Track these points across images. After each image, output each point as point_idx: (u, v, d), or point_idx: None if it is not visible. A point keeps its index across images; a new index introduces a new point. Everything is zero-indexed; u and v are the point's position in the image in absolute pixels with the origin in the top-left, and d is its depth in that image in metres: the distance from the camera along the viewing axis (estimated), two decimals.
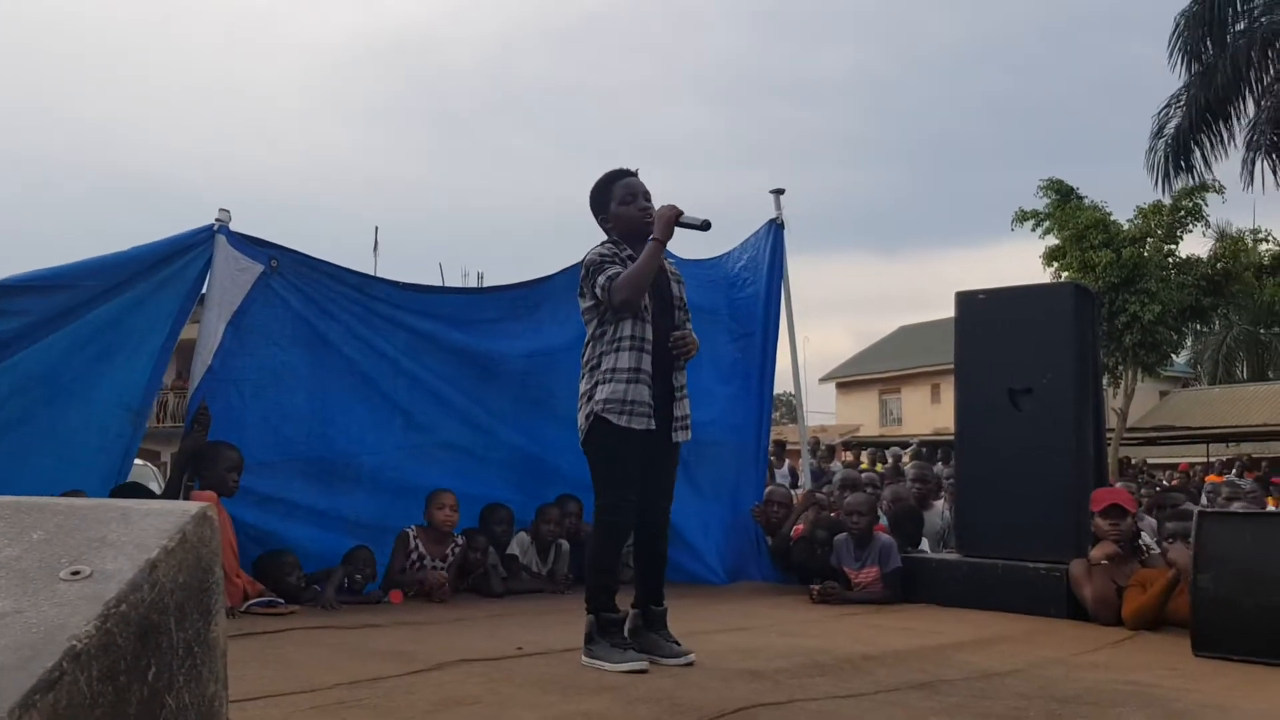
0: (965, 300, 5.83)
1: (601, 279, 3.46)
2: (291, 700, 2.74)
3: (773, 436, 7.79)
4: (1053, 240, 19.15)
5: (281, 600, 4.69)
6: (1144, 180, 17.00)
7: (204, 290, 5.11)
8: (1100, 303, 16.16)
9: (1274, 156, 15.75)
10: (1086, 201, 18.99)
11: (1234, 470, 16.82)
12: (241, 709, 2.58)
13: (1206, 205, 18.41)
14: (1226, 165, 17.11)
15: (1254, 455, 20.24)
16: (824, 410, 39.78)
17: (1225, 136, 16.08)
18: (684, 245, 3.68)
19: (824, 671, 3.41)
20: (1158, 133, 16.52)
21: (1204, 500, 10.27)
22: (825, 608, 5.34)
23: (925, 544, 6.50)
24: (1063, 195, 19.09)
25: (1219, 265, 18.88)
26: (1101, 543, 4.92)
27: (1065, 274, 18.33)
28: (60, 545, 1.18)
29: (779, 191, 6.79)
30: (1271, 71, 15.40)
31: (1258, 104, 15.67)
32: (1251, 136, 15.72)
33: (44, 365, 4.68)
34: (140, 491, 5.08)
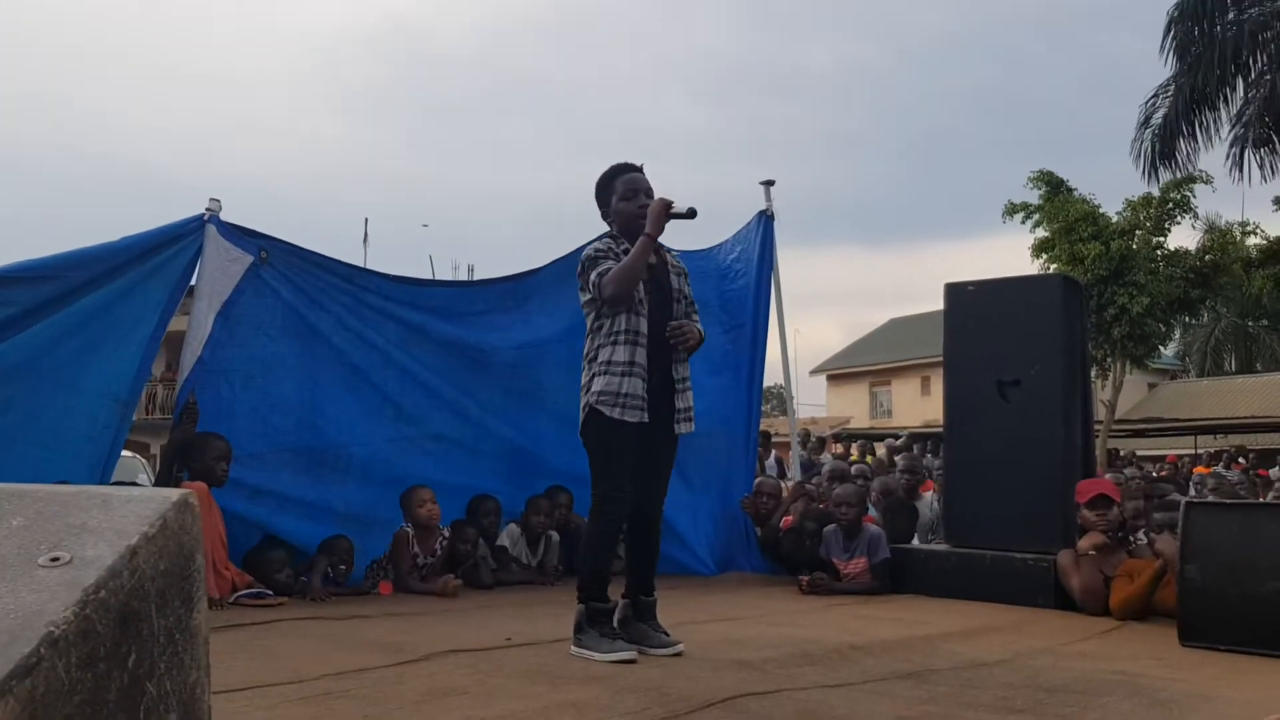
0: (954, 292, 5.84)
1: (594, 275, 3.51)
2: (279, 691, 2.74)
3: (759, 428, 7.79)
4: (1042, 233, 19.20)
5: (270, 592, 4.68)
6: (1134, 173, 16.99)
7: (193, 281, 5.09)
8: (1089, 295, 16.20)
9: (1262, 150, 15.79)
10: (1076, 194, 19.04)
11: (1222, 462, 16.90)
12: (229, 699, 2.57)
13: (1195, 198, 18.49)
14: (1214, 157, 17.18)
15: (1242, 447, 20.31)
16: (814, 402, 39.92)
17: (1212, 128, 16.11)
18: (676, 237, 3.68)
19: (812, 661, 3.42)
20: (1144, 123, 16.56)
21: (1192, 492, 10.31)
22: (814, 598, 5.35)
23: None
24: (1053, 187, 19.13)
25: (1207, 258, 18.95)
26: (1089, 533, 4.94)
27: (1054, 266, 18.38)
28: (40, 532, 1.17)
29: (769, 183, 6.78)
30: (1261, 62, 15.42)
31: (1246, 96, 15.70)
32: (1239, 129, 15.76)
33: (29, 355, 4.65)
34: None
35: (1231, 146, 15.87)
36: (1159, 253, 18.66)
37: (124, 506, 1.20)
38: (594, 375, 3.50)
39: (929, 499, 7.17)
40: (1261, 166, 15.87)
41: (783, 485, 7.08)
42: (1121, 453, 18.45)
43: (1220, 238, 19.41)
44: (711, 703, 2.70)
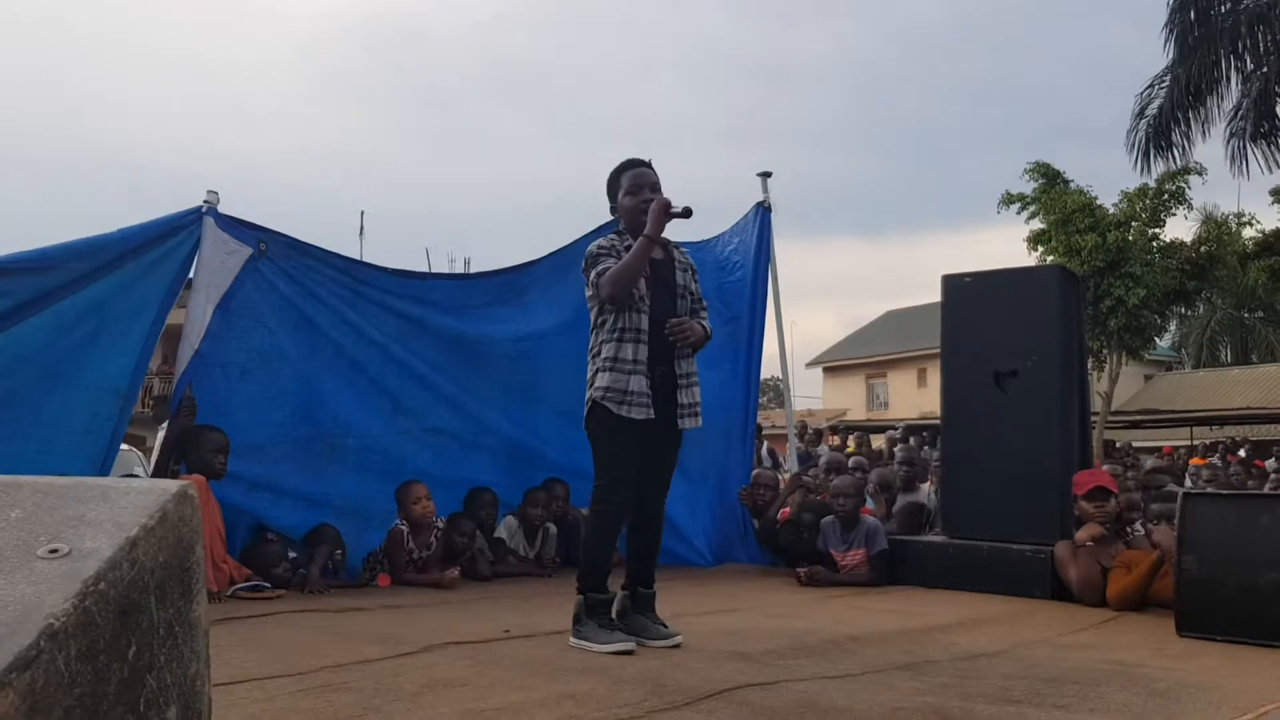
0: (951, 283, 5.84)
1: (592, 274, 3.56)
2: (278, 683, 2.73)
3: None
4: (1038, 224, 19.18)
5: (268, 584, 4.68)
6: (1130, 164, 16.95)
7: (191, 273, 5.07)
8: (1085, 286, 16.18)
9: (1258, 143, 15.77)
10: (1073, 185, 19.01)
11: (1217, 454, 16.94)
12: (228, 692, 2.57)
13: (1190, 189, 18.46)
14: (1210, 148, 17.13)
15: (1245, 438, 20.35)
16: (811, 395, 39.91)
17: (1207, 118, 16.08)
18: (672, 230, 3.68)
19: (810, 653, 3.42)
20: (1139, 113, 16.53)
21: (1188, 483, 10.34)
22: (811, 590, 5.36)
23: None
24: (1049, 179, 19.09)
25: (1203, 249, 18.94)
26: (1086, 524, 4.95)
27: (1050, 258, 18.34)
28: (38, 523, 1.16)
29: (766, 174, 6.78)
30: (1259, 52, 15.38)
31: (1242, 89, 15.68)
32: (1237, 123, 15.73)
33: (29, 348, 4.63)
34: None
35: (1229, 140, 15.85)
36: (1155, 244, 18.64)
37: (123, 498, 1.20)
38: (598, 371, 3.54)
39: (926, 490, 7.18)
40: (1266, 159, 15.83)
41: (779, 477, 7.09)
42: (1119, 444, 18.48)
43: (1216, 229, 19.39)
44: (710, 694, 2.70)
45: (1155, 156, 16.45)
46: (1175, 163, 16.81)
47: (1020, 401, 5.41)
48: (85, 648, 1.04)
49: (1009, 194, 19.52)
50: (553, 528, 5.94)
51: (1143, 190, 18.40)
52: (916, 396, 32.90)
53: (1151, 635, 4.00)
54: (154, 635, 1.15)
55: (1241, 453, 16.97)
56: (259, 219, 5.27)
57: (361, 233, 28.20)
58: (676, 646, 3.45)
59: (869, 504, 6.54)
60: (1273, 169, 15.73)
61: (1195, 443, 21.63)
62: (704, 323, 3.67)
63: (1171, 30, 15.81)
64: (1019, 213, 19.45)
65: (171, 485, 1.25)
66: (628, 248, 3.57)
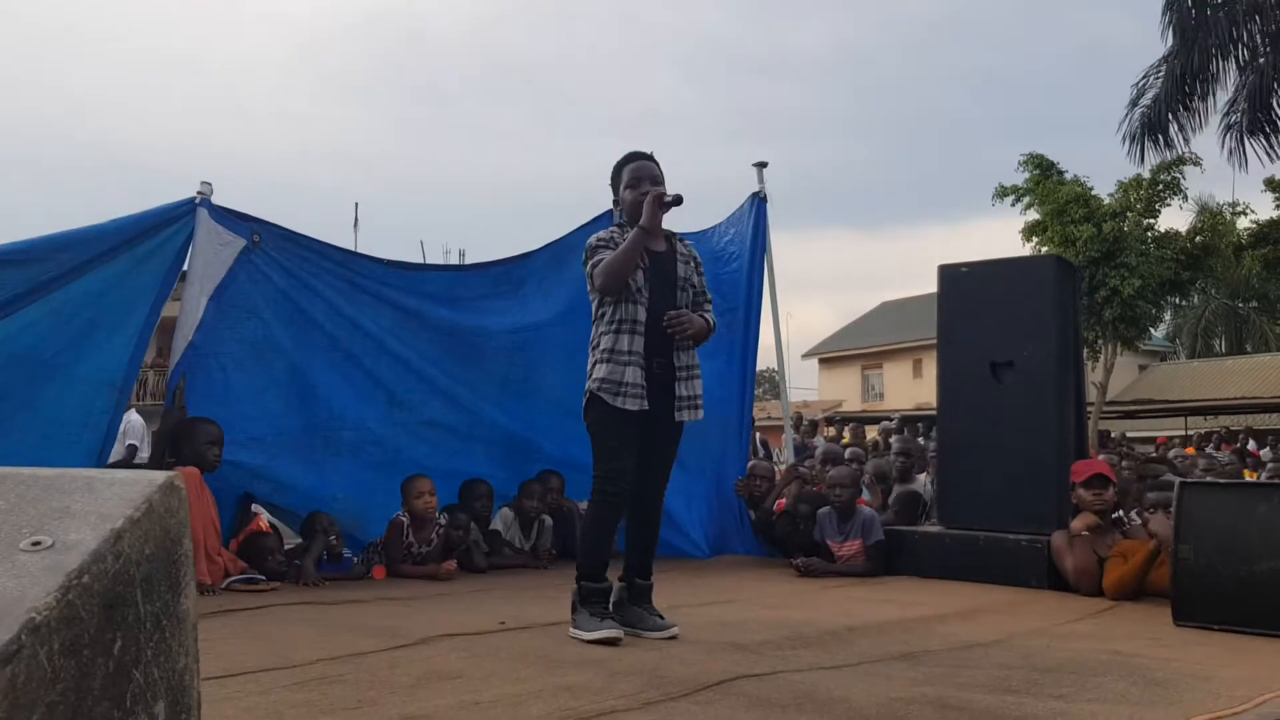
0: (947, 273, 5.82)
1: (588, 266, 3.57)
2: (272, 676, 2.72)
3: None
4: (1033, 215, 19.18)
5: (262, 577, 4.66)
6: (1126, 155, 16.94)
7: (185, 265, 5.04)
8: (1080, 277, 16.15)
9: (1254, 135, 15.74)
10: (1068, 176, 19.01)
11: (1211, 443, 16.95)
12: (222, 685, 2.56)
13: (1185, 179, 18.47)
14: (1206, 138, 17.09)
15: (1249, 427, 20.37)
16: (807, 386, 39.94)
17: (1203, 109, 16.05)
18: (669, 220, 3.68)
19: (807, 643, 3.41)
20: (1134, 102, 16.52)
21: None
22: (808, 580, 5.35)
23: None
24: (1043, 170, 19.08)
25: (1198, 239, 18.96)
26: (1082, 514, 4.94)
27: (1045, 249, 18.36)
28: (21, 515, 1.13)
29: (762, 165, 6.75)
30: (1256, 43, 15.35)
31: (1239, 80, 15.64)
32: (1233, 116, 15.70)
33: (26, 342, 4.61)
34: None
35: (1225, 133, 15.82)
36: (1150, 235, 18.64)
37: (108, 489, 1.17)
38: (596, 362, 3.55)
39: (923, 481, 7.17)
40: (1267, 152, 15.81)
41: (775, 468, 7.07)
42: (1114, 434, 18.48)
43: (1211, 219, 19.40)
44: (706, 685, 2.69)
45: (1150, 147, 16.42)
46: (1173, 152, 16.78)
47: (1017, 391, 5.40)
48: (69, 642, 1.02)
49: (1002, 187, 19.53)
50: (548, 520, 5.93)
51: (1137, 181, 18.40)
52: (912, 387, 32.97)
53: (1148, 625, 3.99)
54: (140, 629, 1.13)
55: (1252, 443, 16.96)
56: (255, 212, 5.25)
57: (356, 225, 28.14)
58: (673, 638, 3.44)
59: (865, 495, 6.52)
60: (1273, 159, 15.71)
61: (1190, 432, 21.67)
62: (706, 315, 3.66)
63: (1169, 20, 15.77)
64: (1013, 204, 19.46)
65: (158, 476, 1.23)
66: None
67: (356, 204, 60.40)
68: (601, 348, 3.54)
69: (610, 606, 3.50)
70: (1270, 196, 19.21)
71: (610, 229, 3.73)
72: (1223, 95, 15.80)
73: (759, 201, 6.68)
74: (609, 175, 3.84)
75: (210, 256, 5.04)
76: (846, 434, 15.30)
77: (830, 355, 40.17)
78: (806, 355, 40.89)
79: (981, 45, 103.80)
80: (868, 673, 2.96)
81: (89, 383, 4.82)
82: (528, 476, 5.97)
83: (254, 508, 5.29)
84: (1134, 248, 18.07)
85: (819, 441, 12.03)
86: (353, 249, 5.93)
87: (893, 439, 10.22)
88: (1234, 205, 19.73)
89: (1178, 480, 4.64)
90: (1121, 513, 5.30)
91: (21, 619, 0.98)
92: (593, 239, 3.66)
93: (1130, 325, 18.63)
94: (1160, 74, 16.16)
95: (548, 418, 6.00)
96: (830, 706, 2.51)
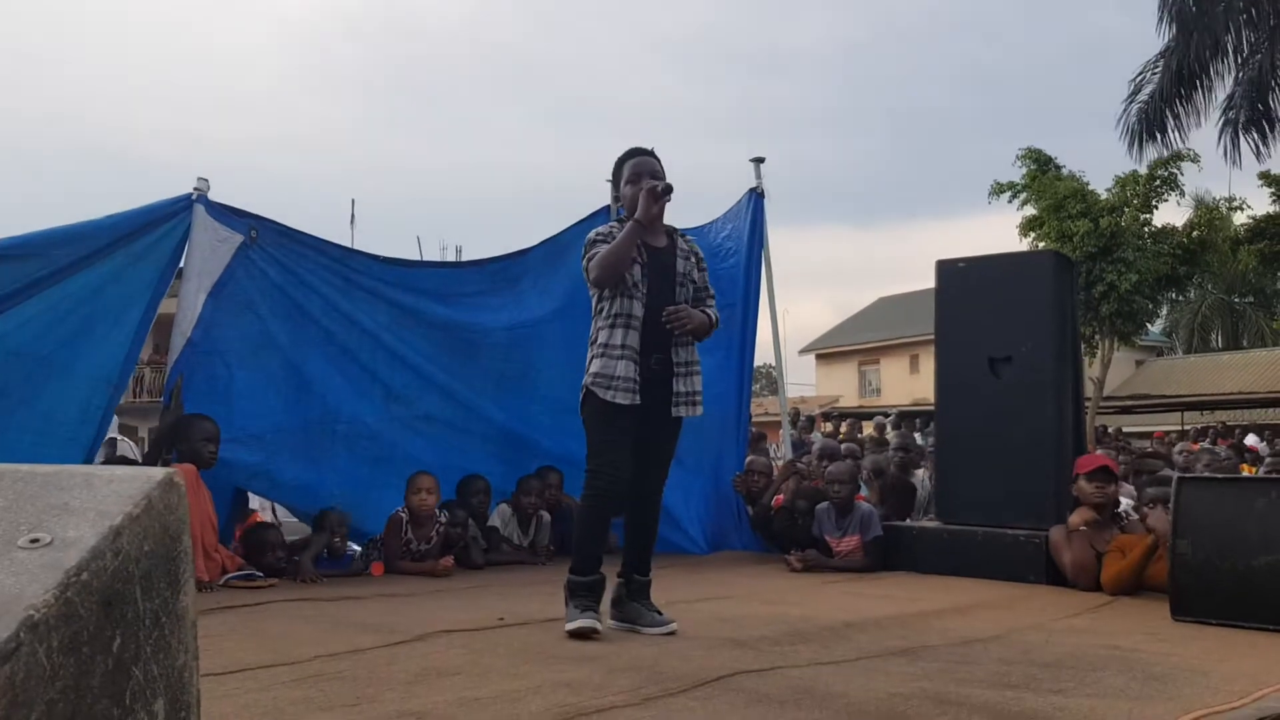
0: (945, 269, 5.81)
1: (585, 260, 3.58)
2: (271, 673, 2.71)
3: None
4: (1030, 210, 19.16)
5: (260, 574, 4.66)
6: (1123, 150, 16.92)
7: (182, 262, 5.03)
8: (1077, 272, 16.14)
9: (1250, 131, 15.73)
10: (1065, 171, 18.99)
11: (1208, 438, 16.95)
12: (220, 682, 2.55)
13: (1182, 175, 18.46)
14: (1202, 133, 17.07)
15: (1228, 423, 20.41)
16: (804, 382, 39.91)
17: (1201, 104, 16.04)
18: (669, 216, 3.67)
19: (806, 639, 3.41)
20: (1132, 96, 16.50)
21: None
22: (806, 576, 5.35)
23: None
24: (1041, 165, 19.07)
25: (1194, 234, 18.95)
26: (1080, 508, 4.94)
27: (1042, 244, 18.32)
28: (19, 512, 1.13)
29: (759, 160, 6.74)
30: (1254, 38, 15.32)
31: (1236, 76, 15.62)
32: (1230, 113, 15.69)
33: (23, 338, 4.61)
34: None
35: (1223, 130, 15.81)
36: (1147, 230, 18.64)
37: (107, 486, 1.17)
38: (592, 357, 3.55)
39: (921, 476, 7.18)
40: (1244, 146, 15.81)
41: (772, 464, 7.07)
42: (1110, 429, 18.51)
43: (1208, 214, 19.39)
44: (705, 681, 2.69)
45: (1147, 141, 16.41)
46: (1170, 147, 16.77)
47: (1015, 387, 5.40)
48: (67, 640, 1.02)
49: (998, 183, 19.50)
50: (546, 516, 5.93)
51: (1134, 176, 18.40)
52: (909, 382, 32.95)
53: (1146, 620, 3.99)
54: (139, 626, 1.12)
55: (1252, 437, 16.97)
56: (251, 208, 5.24)
57: (353, 221, 28.13)
58: (672, 634, 3.44)
59: (863, 490, 6.53)
60: (1264, 154, 15.71)
61: (1186, 428, 21.69)
62: (708, 311, 3.65)
63: (1168, 14, 15.74)
64: (1010, 200, 19.45)
65: (157, 473, 1.22)
66: None
67: (353, 200, 60.35)
68: (599, 342, 3.55)
69: (604, 601, 3.51)
70: (1267, 191, 19.20)
71: (610, 224, 3.74)
72: (1220, 90, 15.82)
73: (756, 197, 6.67)
74: (609, 171, 3.85)
75: (207, 253, 5.04)
76: (844, 428, 15.31)
77: (827, 351, 40.15)
78: (804, 351, 40.87)
79: (979, 38, 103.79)
80: (866, 668, 2.96)
81: (86, 379, 4.82)
82: (525, 472, 5.96)
83: (252, 504, 5.29)
84: (1131, 243, 18.05)
85: (816, 437, 12.04)
86: (349, 245, 5.93)
87: (888, 434, 10.24)
88: (1230, 200, 19.73)
89: (1175, 475, 4.64)
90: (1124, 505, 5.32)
91: (20, 616, 0.97)
92: (591, 234, 3.66)
93: (1127, 320, 18.62)
94: (1157, 69, 16.15)
95: (545, 414, 6.00)
96: (829, 702, 2.51)
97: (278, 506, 5.86)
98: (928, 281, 5.94)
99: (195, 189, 5.00)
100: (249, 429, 5.14)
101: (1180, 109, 16.09)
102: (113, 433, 10.53)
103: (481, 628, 3.48)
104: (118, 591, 1.09)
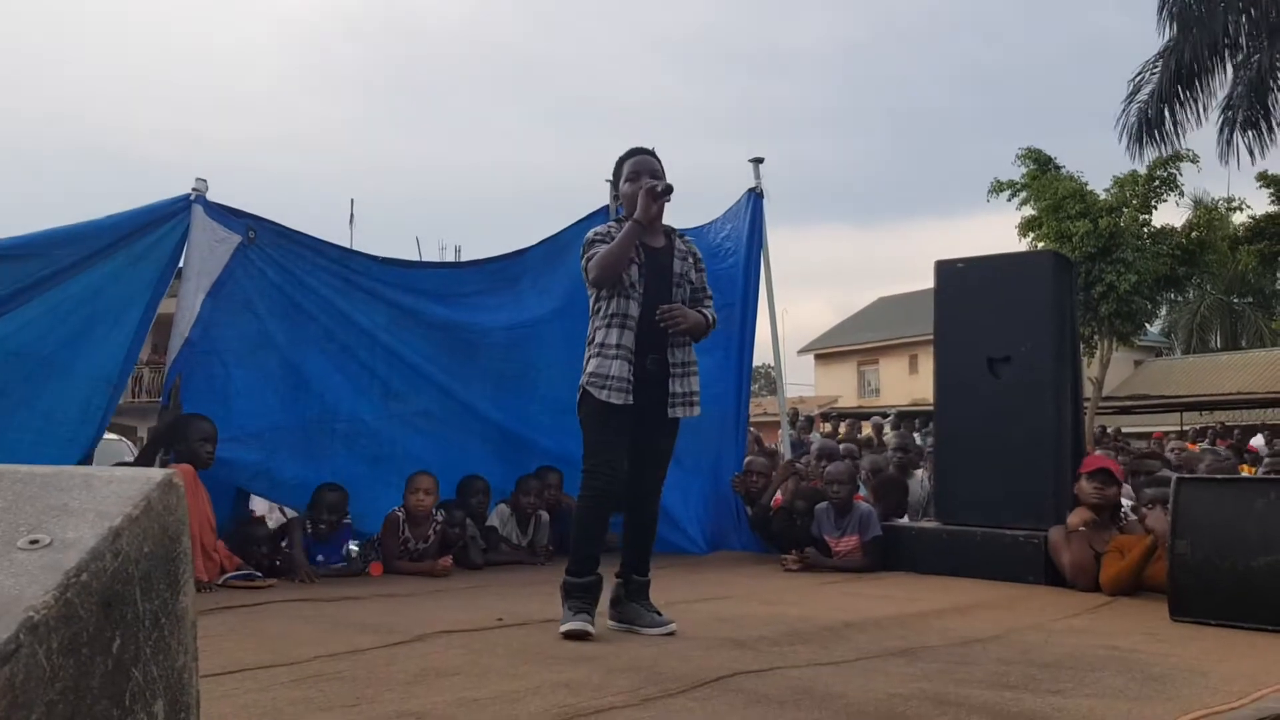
0: (944, 269, 5.81)
1: (584, 260, 3.58)
2: (269, 673, 2.71)
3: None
4: (1030, 211, 19.16)
5: (259, 574, 4.66)
6: (1123, 150, 16.93)
7: (181, 263, 5.04)
8: (1077, 272, 16.14)
9: (1249, 131, 15.73)
10: (1064, 171, 19.00)
11: (1206, 439, 16.95)
12: (219, 683, 2.55)
13: (1181, 175, 18.46)
14: (1202, 133, 17.07)
15: (1227, 424, 20.40)
16: (803, 382, 39.91)
17: (1200, 104, 16.04)
18: (668, 216, 3.68)
19: (805, 639, 3.41)
20: (1131, 96, 16.50)
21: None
22: (805, 576, 5.35)
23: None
24: (1040, 165, 19.07)
25: (1193, 235, 18.96)
26: (1079, 509, 4.95)
27: (1041, 244, 18.33)
28: (18, 513, 1.13)
29: (758, 160, 6.74)
30: (1254, 38, 15.32)
31: (1235, 76, 15.61)
32: (1229, 112, 15.68)
33: (23, 339, 4.61)
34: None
35: (1222, 130, 15.81)
36: (1146, 230, 18.64)
37: (106, 487, 1.17)
38: (589, 357, 3.55)
39: (920, 476, 7.18)
40: (1251, 153, 15.81)
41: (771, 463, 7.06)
42: (1108, 429, 18.51)
43: (1207, 215, 19.40)
44: (704, 681, 2.69)
45: (1146, 141, 16.41)
46: (1166, 148, 16.77)
47: (1014, 387, 5.40)
48: (67, 641, 1.02)
49: (998, 181, 19.50)
50: (545, 516, 5.93)
51: (1133, 176, 18.40)
52: (908, 383, 32.95)
53: (1145, 620, 4.00)
54: (139, 627, 1.12)
55: (1258, 439, 16.95)
56: (250, 209, 5.24)
57: (352, 221, 28.13)
58: (671, 634, 3.44)
59: (862, 490, 6.52)
60: (1260, 155, 15.72)
61: (1185, 428, 21.69)
62: (705, 311, 3.64)
63: (1168, 14, 15.74)
64: (1009, 199, 19.45)
65: (156, 474, 1.22)
66: None
67: (353, 200, 60.31)
68: (596, 342, 3.55)
69: (603, 602, 3.51)
70: (1265, 192, 19.22)
71: (609, 224, 3.73)
72: (1220, 90, 15.82)
73: (755, 197, 6.67)
74: (609, 171, 3.86)
75: (206, 253, 5.04)
76: (844, 428, 15.32)
77: (826, 351, 40.14)
78: (802, 351, 40.86)
79: (979, 38, 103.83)
80: (865, 668, 2.96)
81: (86, 380, 4.82)
82: (524, 472, 5.96)
83: (252, 504, 5.28)
84: (1130, 243, 18.06)
85: (815, 437, 12.04)
86: (349, 245, 5.93)
87: (886, 434, 10.24)
88: (1229, 200, 19.75)
89: (1174, 476, 4.64)
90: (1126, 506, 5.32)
91: (20, 618, 0.97)
92: (590, 233, 3.66)
93: (1126, 321, 18.62)
94: (1157, 69, 16.15)
95: (544, 413, 6.00)
96: (828, 702, 2.51)
97: (287, 510, 5.85)
98: (927, 282, 5.95)
99: (194, 189, 5.01)
100: (248, 428, 5.15)
101: (1179, 109, 16.08)
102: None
103: (480, 628, 3.48)
104: (117, 592, 1.09)
